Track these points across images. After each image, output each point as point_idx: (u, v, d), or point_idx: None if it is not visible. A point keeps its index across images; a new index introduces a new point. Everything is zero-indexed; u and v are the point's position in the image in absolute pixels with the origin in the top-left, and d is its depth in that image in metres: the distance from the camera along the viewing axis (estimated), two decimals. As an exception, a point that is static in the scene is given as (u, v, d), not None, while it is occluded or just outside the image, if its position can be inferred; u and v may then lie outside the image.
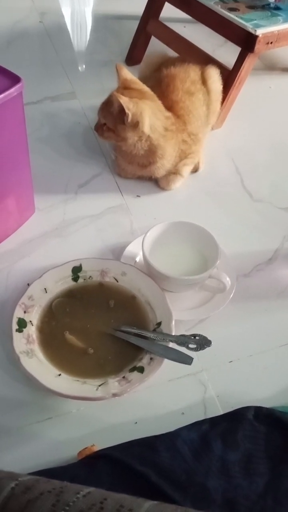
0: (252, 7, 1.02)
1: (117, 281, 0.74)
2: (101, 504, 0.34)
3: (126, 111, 0.79)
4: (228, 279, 0.71)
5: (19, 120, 0.70)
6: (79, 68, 1.25)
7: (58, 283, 0.73)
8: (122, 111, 0.79)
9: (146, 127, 0.81)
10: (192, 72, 0.92)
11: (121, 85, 0.85)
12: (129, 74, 0.85)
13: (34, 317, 0.69)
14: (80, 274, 0.74)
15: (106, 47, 1.32)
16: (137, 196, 0.92)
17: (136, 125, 0.81)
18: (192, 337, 0.66)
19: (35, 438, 0.61)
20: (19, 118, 0.69)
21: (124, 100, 0.78)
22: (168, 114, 0.87)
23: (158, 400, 0.65)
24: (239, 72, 1.00)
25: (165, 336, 0.66)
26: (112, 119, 0.83)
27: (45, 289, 0.71)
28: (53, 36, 1.33)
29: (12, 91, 0.63)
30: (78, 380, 0.63)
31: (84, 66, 1.26)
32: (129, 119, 0.80)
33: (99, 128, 0.87)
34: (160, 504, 0.36)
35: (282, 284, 0.80)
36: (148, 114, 0.81)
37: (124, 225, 0.87)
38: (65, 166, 0.97)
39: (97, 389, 0.62)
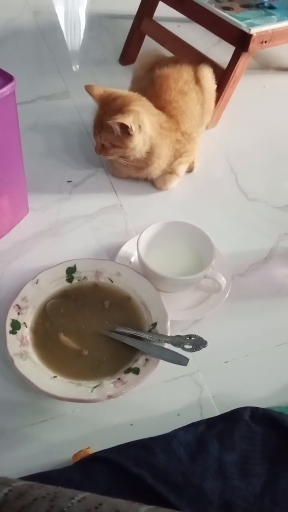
0: (246, 6, 1.02)
1: (112, 282, 0.73)
2: (96, 509, 0.34)
3: (129, 125, 0.77)
4: (223, 279, 0.71)
5: (12, 119, 0.69)
6: (73, 67, 1.24)
7: (52, 284, 0.72)
8: (124, 127, 0.78)
9: (147, 126, 0.81)
10: (185, 72, 0.91)
11: (99, 103, 0.83)
12: (101, 89, 0.84)
13: (28, 318, 0.68)
14: (74, 275, 0.73)
15: (100, 46, 1.31)
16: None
17: (139, 129, 0.80)
18: (188, 338, 0.66)
19: (30, 441, 0.61)
20: (12, 117, 0.68)
21: (123, 119, 0.77)
22: (158, 111, 0.86)
23: (154, 401, 0.65)
24: (233, 71, 1.00)
25: (160, 337, 0.66)
26: (114, 137, 0.81)
27: (39, 290, 0.71)
28: (46, 34, 1.32)
29: (5, 90, 0.62)
30: (72, 382, 0.63)
31: (78, 65, 1.25)
32: (134, 129, 0.79)
33: (102, 150, 0.85)
34: (157, 509, 0.35)
35: (277, 284, 0.80)
36: (144, 113, 0.81)
37: (119, 225, 0.87)
38: (59, 165, 0.96)
39: (92, 391, 0.61)
